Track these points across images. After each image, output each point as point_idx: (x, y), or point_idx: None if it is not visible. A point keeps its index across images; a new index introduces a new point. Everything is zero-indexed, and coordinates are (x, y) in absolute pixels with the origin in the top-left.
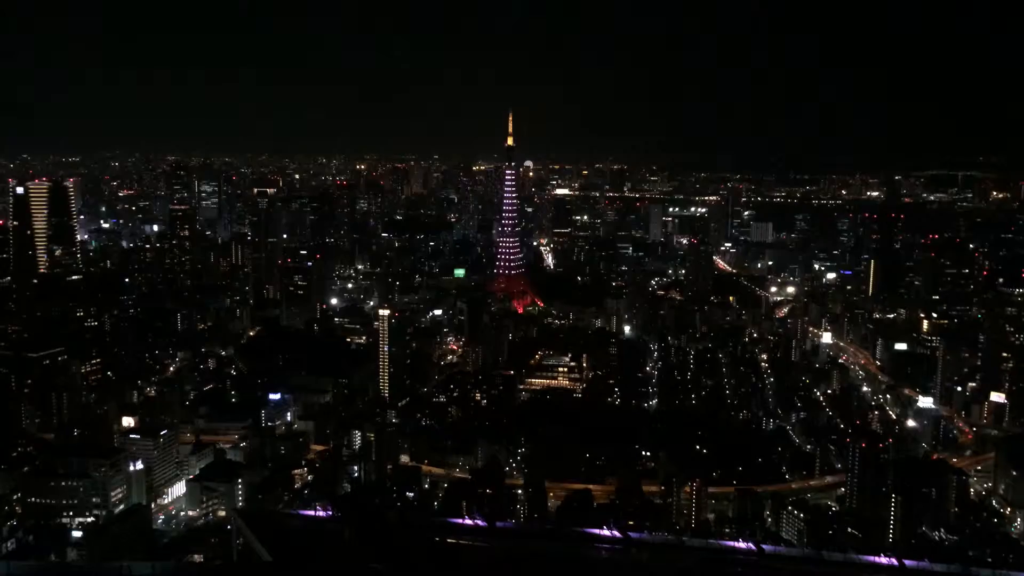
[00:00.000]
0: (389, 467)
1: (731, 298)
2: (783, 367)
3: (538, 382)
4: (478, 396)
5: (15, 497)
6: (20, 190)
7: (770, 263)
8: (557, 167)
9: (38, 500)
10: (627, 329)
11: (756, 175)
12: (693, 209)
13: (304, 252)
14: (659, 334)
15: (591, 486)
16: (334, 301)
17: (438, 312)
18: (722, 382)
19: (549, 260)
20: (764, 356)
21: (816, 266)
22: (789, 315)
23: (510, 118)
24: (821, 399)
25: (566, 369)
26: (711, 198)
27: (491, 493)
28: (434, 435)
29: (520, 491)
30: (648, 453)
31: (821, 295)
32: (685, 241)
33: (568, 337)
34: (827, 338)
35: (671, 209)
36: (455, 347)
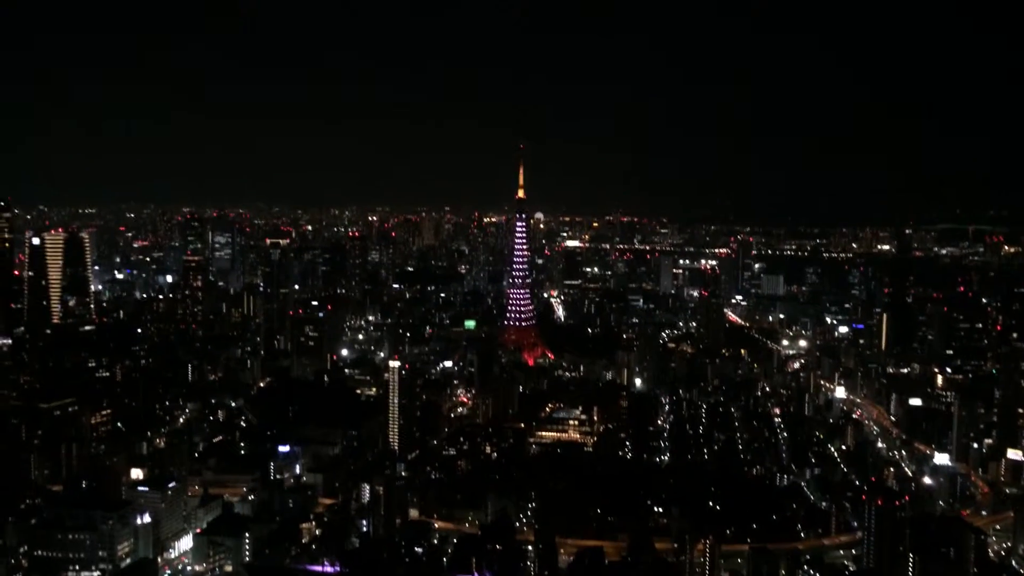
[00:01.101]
0: (398, 521)
1: (743, 351)
2: (796, 422)
3: (548, 435)
4: (488, 449)
5: (22, 550)
6: (36, 241)
7: (781, 316)
8: (567, 219)
9: (45, 553)
10: (638, 382)
11: (765, 228)
12: (703, 261)
13: (316, 303)
14: (670, 387)
15: (603, 542)
16: (345, 352)
17: (448, 363)
18: (735, 436)
19: (560, 312)
20: (777, 410)
21: (828, 319)
22: (801, 369)
23: (520, 171)
24: (835, 455)
25: (577, 422)
26: (721, 250)
27: (501, 549)
28: (444, 488)
29: (530, 547)
30: (660, 509)
31: (833, 349)
32: (696, 293)
33: (579, 389)
34: (840, 392)
35: (681, 261)
36: (465, 399)
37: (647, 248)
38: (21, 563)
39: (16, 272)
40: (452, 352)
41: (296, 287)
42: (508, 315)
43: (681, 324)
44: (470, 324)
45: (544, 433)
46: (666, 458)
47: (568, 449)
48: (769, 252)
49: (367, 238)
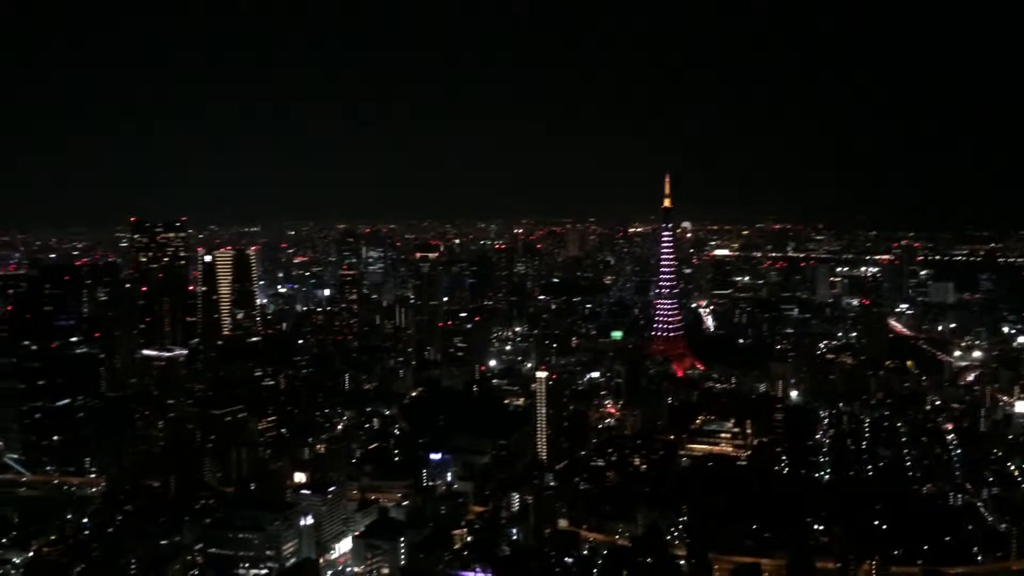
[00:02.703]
0: (547, 531)
1: (909, 363)
2: (971, 438)
3: (699, 448)
4: (637, 461)
5: (197, 547)
6: (208, 258)
7: (952, 326)
8: (716, 227)
9: (218, 551)
10: (794, 394)
11: (931, 232)
12: (863, 268)
13: (464, 314)
14: (829, 400)
15: (759, 560)
16: (493, 363)
17: (595, 374)
18: (901, 453)
19: (709, 322)
20: (949, 426)
21: (1005, 329)
22: (976, 381)
23: (667, 180)
24: (1016, 473)
25: (729, 435)
26: (883, 257)
27: (652, 563)
28: (592, 499)
29: (683, 562)
30: (821, 527)
31: (1012, 360)
32: (856, 302)
33: (730, 401)
34: (1021, 407)
35: (839, 269)
36: (613, 410)
37: (801, 256)
38: (196, 560)
39: (191, 288)
40: (599, 363)
41: (445, 299)
42: (655, 326)
43: (840, 334)
44: (617, 335)
45: (695, 446)
46: (826, 474)
47: (720, 463)
48: (936, 258)
49: (513, 250)
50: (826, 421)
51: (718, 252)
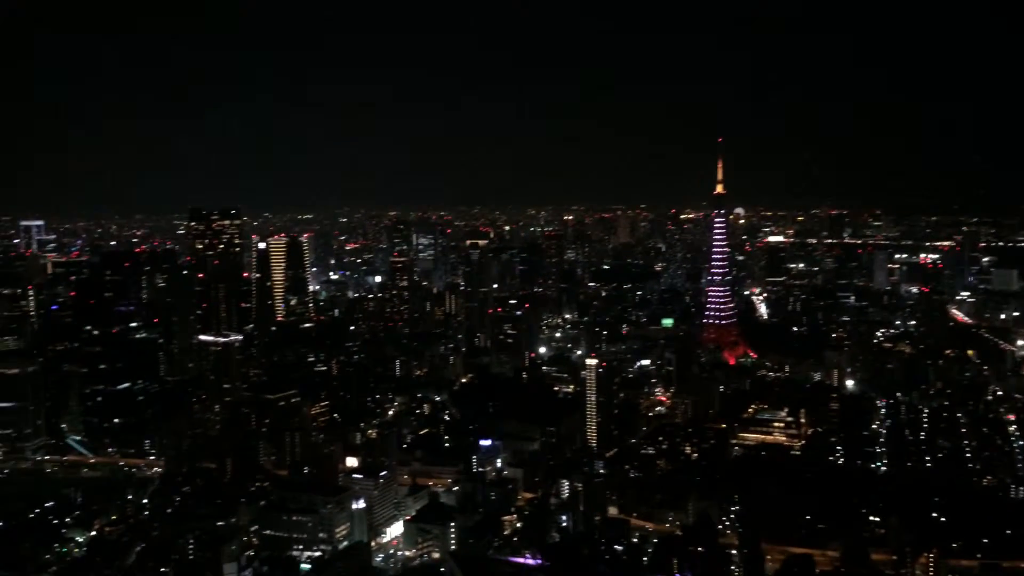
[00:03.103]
0: (597, 518)
1: (970, 352)
2: None
3: (752, 437)
4: (688, 449)
5: (253, 528)
6: (262, 245)
7: (1016, 314)
8: (770, 214)
9: (272, 533)
10: (850, 384)
11: (995, 218)
12: (923, 255)
13: (513, 301)
14: (886, 390)
15: (813, 551)
16: (542, 350)
17: (646, 362)
18: (961, 444)
19: (762, 310)
20: (1011, 416)
21: None
22: None
23: (719, 165)
24: None
25: (782, 424)
26: (944, 243)
27: (703, 551)
28: (643, 487)
29: (734, 551)
30: (877, 518)
31: None
32: (915, 290)
33: (784, 390)
34: None
35: (897, 256)
36: (663, 398)
37: (859, 242)
38: (252, 541)
39: (246, 274)
40: (649, 350)
41: (495, 286)
42: (707, 313)
43: (898, 323)
44: (667, 322)
45: (747, 435)
46: (883, 465)
47: (773, 452)
48: (999, 244)
49: (563, 237)
50: (883, 411)
51: (772, 238)
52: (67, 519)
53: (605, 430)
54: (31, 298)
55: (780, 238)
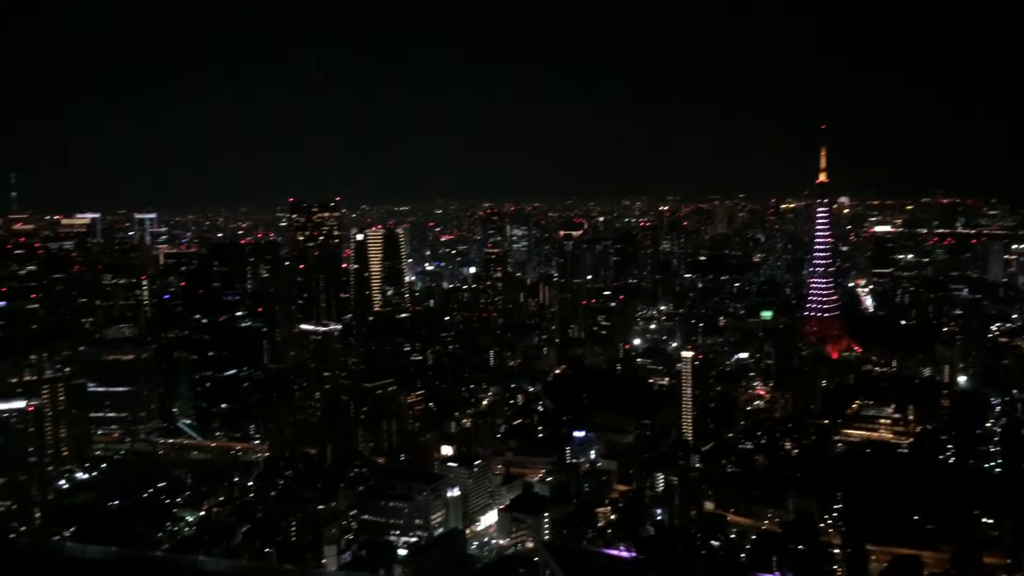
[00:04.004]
0: (693, 512)
1: None
2: None
3: (856, 433)
4: (788, 445)
5: (351, 513)
6: (360, 237)
7: None
8: (876, 203)
9: (370, 518)
10: (961, 380)
11: None
12: None
13: (607, 293)
14: (1001, 387)
15: (921, 552)
16: (637, 341)
17: (743, 355)
18: None
19: (867, 302)
20: None
21: None
22: None
23: (823, 153)
24: None
25: (888, 421)
26: None
27: (803, 550)
28: (740, 483)
29: (837, 550)
30: (990, 520)
31: None
32: None
33: (890, 386)
34: None
35: (1015, 246)
36: (762, 392)
37: (972, 232)
38: (351, 525)
39: (344, 265)
40: (748, 343)
41: (588, 277)
42: (809, 305)
43: (1015, 316)
44: (767, 314)
45: (851, 431)
46: (996, 465)
47: (879, 449)
48: None
49: (658, 228)
50: (997, 409)
51: (879, 228)
52: (178, 499)
53: (701, 424)
54: (145, 288)
55: (887, 228)
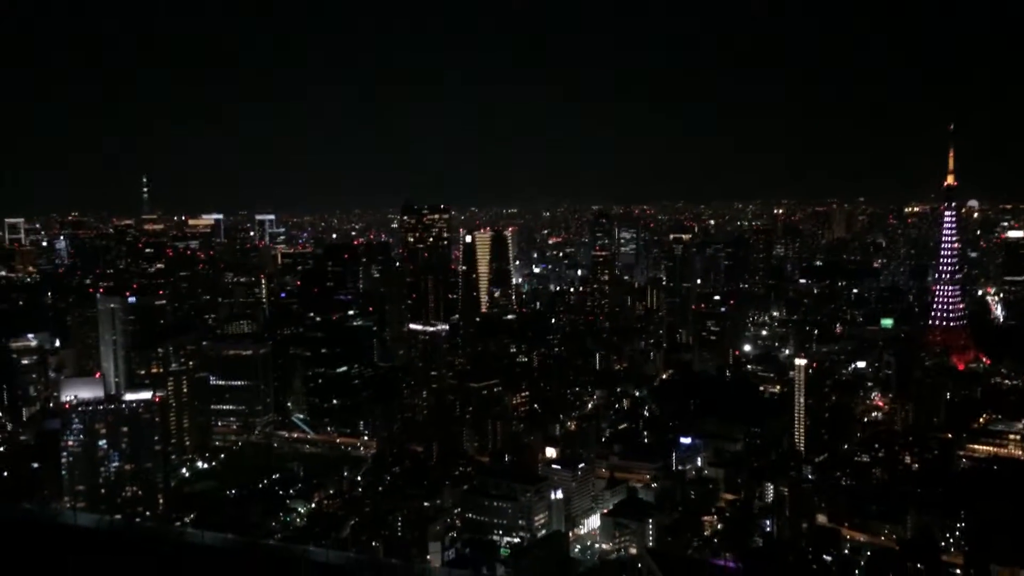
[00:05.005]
0: (804, 525)
1: None
2: None
3: (982, 449)
4: (908, 459)
5: (456, 511)
6: (468, 239)
7: None
8: (1009, 206)
9: (474, 516)
10: None
11: None
12: None
13: (718, 297)
14: None
15: None
16: (747, 348)
17: (861, 364)
18: None
19: (997, 311)
20: None
21: None
22: None
23: (951, 154)
24: None
25: (1018, 437)
26: None
27: (922, 569)
28: (855, 497)
29: (958, 571)
30: None
31: None
32: None
33: (1021, 400)
34: None
35: None
36: (881, 403)
37: None
38: (455, 523)
39: (453, 266)
40: (866, 352)
41: (698, 281)
42: (933, 314)
43: None
44: (887, 323)
45: (976, 446)
46: None
47: (1007, 466)
48: None
49: (772, 232)
50: None
51: (1012, 233)
52: (291, 490)
53: (814, 434)
54: (263, 286)
55: (1021, 233)
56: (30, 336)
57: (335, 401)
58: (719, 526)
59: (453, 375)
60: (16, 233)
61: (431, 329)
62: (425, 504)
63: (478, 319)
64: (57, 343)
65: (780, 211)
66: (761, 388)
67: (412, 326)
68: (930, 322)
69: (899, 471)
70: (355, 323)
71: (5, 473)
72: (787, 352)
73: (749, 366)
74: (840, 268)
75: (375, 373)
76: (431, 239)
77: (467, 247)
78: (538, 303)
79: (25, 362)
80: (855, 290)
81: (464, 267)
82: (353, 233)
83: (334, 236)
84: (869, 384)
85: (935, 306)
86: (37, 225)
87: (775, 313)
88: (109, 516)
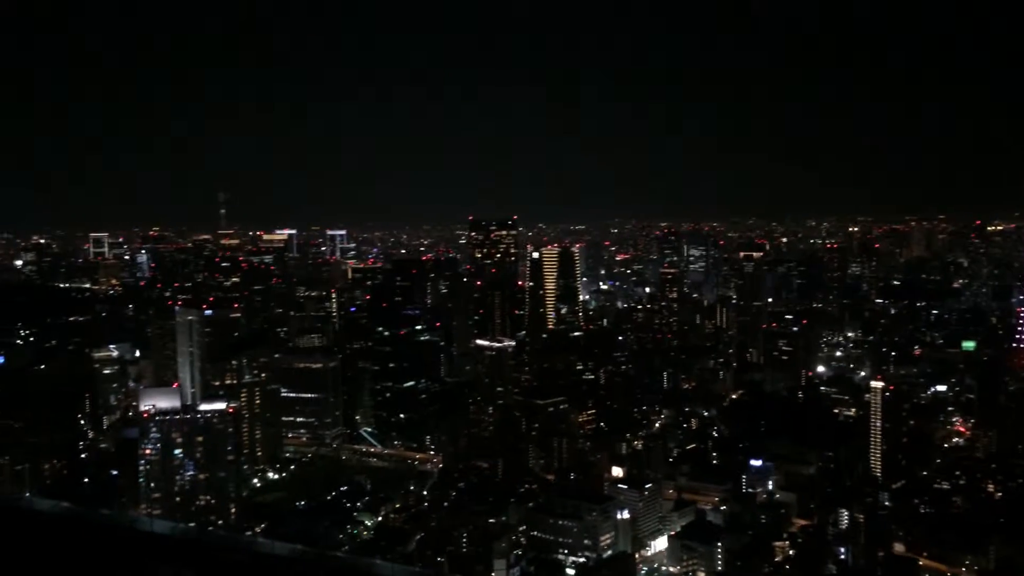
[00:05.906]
0: (880, 553)
1: None
2: None
3: None
4: (990, 487)
5: (521, 528)
6: (535, 255)
7: None
8: None
9: (539, 535)
10: None
11: None
12: None
13: (790, 316)
14: None
15: None
16: (820, 369)
17: (941, 388)
18: None
19: None
20: None
21: None
22: None
23: None
24: None
25: None
26: None
27: None
28: (935, 525)
29: None
30: None
31: None
32: None
33: None
34: None
35: None
36: (962, 428)
37: None
38: (520, 540)
39: (519, 282)
40: (946, 375)
41: (769, 300)
42: (1018, 336)
43: None
44: (969, 345)
45: None
46: None
47: None
48: None
49: (846, 250)
50: None
51: None
52: (358, 504)
53: (891, 459)
54: (334, 300)
55: None
56: (112, 347)
57: (402, 415)
58: (791, 552)
59: (519, 391)
60: (100, 247)
61: (497, 345)
62: (490, 521)
63: (544, 335)
64: (137, 354)
65: (855, 229)
66: (835, 411)
67: (479, 342)
68: (1015, 345)
69: (981, 499)
70: (422, 338)
71: (86, 479)
72: (862, 374)
73: (822, 387)
74: (919, 288)
75: (442, 388)
76: (498, 255)
77: (534, 263)
78: (605, 320)
79: (106, 372)
80: (934, 311)
81: (531, 283)
82: (422, 248)
83: (403, 251)
84: (949, 408)
85: (1020, 328)
86: (120, 239)
87: (850, 333)
88: (183, 523)
